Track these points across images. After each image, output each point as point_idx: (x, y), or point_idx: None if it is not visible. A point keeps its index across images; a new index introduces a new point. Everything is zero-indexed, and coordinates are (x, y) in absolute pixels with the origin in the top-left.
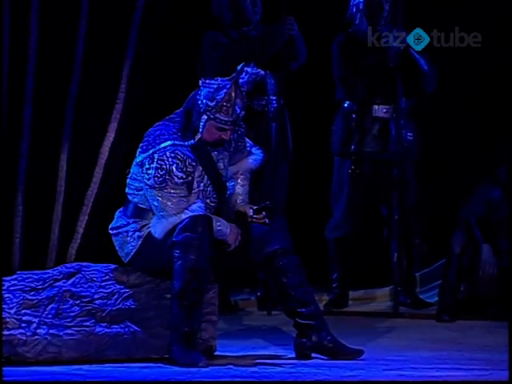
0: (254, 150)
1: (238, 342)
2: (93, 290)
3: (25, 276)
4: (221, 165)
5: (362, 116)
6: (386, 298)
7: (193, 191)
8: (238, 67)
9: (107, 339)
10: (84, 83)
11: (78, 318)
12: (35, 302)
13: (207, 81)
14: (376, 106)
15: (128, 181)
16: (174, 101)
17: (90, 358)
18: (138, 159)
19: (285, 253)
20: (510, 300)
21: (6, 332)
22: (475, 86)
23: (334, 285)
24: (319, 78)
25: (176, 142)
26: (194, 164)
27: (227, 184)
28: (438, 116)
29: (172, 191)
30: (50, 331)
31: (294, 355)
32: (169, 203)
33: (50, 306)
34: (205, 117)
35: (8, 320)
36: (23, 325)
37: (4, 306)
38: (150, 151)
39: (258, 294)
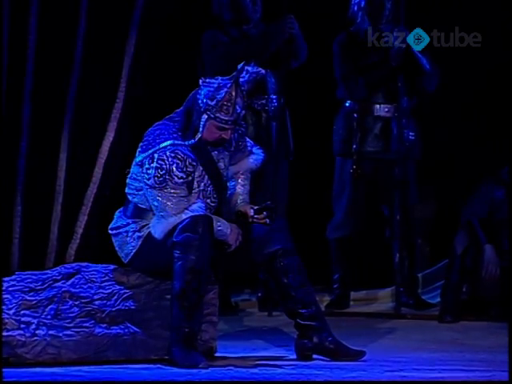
0: (254, 149)
1: (239, 343)
2: (92, 291)
3: (24, 276)
4: (221, 164)
5: (363, 115)
6: (388, 298)
7: (193, 191)
8: (239, 66)
9: (107, 340)
10: (83, 82)
11: (78, 319)
12: (34, 302)
13: (207, 80)
14: (377, 105)
15: (128, 181)
16: (174, 100)
17: (89, 359)
18: (138, 159)
19: (286, 253)
20: (510, 300)
21: (4, 333)
22: (476, 86)
23: (336, 285)
24: (320, 77)
25: (176, 142)
26: (194, 164)
27: (228, 184)
28: (440, 116)
29: (172, 191)
30: (50, 332)
31: (295, 356)
32: (169, 203)
33: (49, 307)
34: (205, 116)
35: (7, 321)
36: (22, 326)
37: (3, 307)
38: (150, 151)
39: (259, 294)
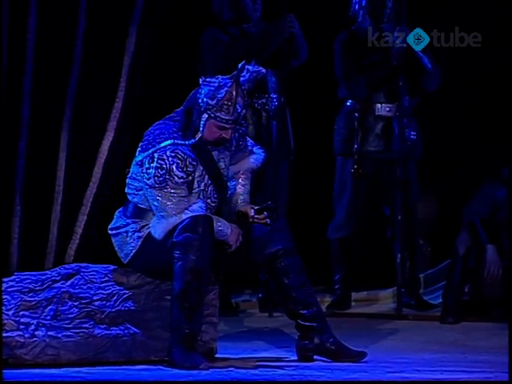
0: (255, 149)
1: (239, 344)
2: (92, 292)
3: (23, 277)
4: (222, 164)
5: (364, 115)
6: (390, 299)
7: (193, 191)
8: (239, 65)
9: (106, 341)
10: (83, 82)
11: (77, 320)
12: (33, 303)
13: (208, 79)
14: (379, 105)
15: (128, 180)
16: (174, 99)
17: (89, 360)
18: (138, 158)
19: (286, 253)
20: (510, 301)
21: (3, 334)
22: (477, 86)
23: (337, 286)
24: (321, 76)
25: (176, 141)
26: (194, 163)
27: (228, 184)
28: (440, 116)
29: (172, 191)
30: (49, 333)
31: (295, 357)
32: (169, 203)
33: (48, 308)
34: (205, 115)
35: (6, 322)
36: (21, 327)
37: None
38: (150, 150)
39: (260, 295)
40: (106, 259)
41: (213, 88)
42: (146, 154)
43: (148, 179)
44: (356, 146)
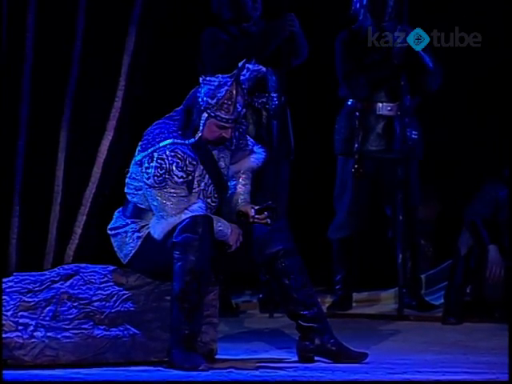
0: (255, 148)
1: (240, 345)
2: (91, 292)
3: (21, 278)
4: (222, 164)
5: (365, 114)
6: (391, 299)
7: (193, 191)
8: (239, 64)
9: (106, 342)
10: (82, 81)
11: (76, 321)
12: (32, 304)
13: (207, 78)
14: (380, 104)
15: (127, 180)
16: (173, 99)
17: (88, 362)
18: (138, 158)
19: (287, 254)
20: (510, 301)
21: (2, 335)
22: (477, 86)
23: (338, 286)
24: (322, 76)
25: (176, 141)
26: (194, 163)
27: (228, 183)
28: (442, 115)
29: (172, 191)
30: (48, 334)
31: (296, 358)
32: (168, 203)
33: (47, 309)
34: (205, 115)
35: (4, 322)
36: (20, 327)
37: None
38: (150, 150)
39: (260, 295)
40: (106, 259)
41: (213, 87)
42: (146, 153)
43: (147, 179)
44: (357, 146)
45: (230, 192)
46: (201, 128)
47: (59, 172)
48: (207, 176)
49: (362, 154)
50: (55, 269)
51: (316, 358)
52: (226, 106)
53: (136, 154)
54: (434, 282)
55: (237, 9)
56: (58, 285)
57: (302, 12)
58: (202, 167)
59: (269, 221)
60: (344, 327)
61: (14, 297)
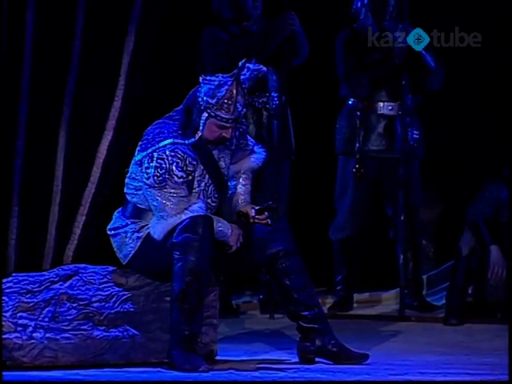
0: (256, 148)
1: (240, 346)
2: (90, 293)
3: (20, 278)
4: (222, 163)
5: (366, 113)
6: (392, 300)
7: (193, 191)
8: (240, 63)
9: (105, 343)
10: (82, 80)
11: (76, 322)
12: (31, 304)
13: (208, 77)
14: (381, 103)
15: (127, 180)
16: (173, 98)
17: (87, 363)
18: (137, 158)
19: (288, 254)
20: (510, 301)
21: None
22: (477, 86)
23: (339, 287)
24: (322, 75)
25: (176, 141)
26: (194, 163)
27: (229, 183)
28: (443, 115)
29: (172, 191)
30: (47, 335)
31: (297, 360)
32: (168, 203)
33: (46, 309)
34: (205, 114)
35: (3, 323)
36: (19, 328)
37: None
38: (150, 150)
39: (260, 296)
40: (105, 260)
41: (213, 86)
42: (146, 153)
43: (147, 179)
44: (358, 146)
45: (230, 192)
46: (201, 128)
47: (58, 172)
48: (207, 176)
49: (362, 154)
50: (54, 269)
51: (317, 359)
52: (226, 105)
53: (136, 153)
54: (436, 283)
55: (237, 8)
56: (57, 285)
57: (303, 11)
58: (202, 167)
59: (269, 221)
60: (345, 328)
61: (13, 297)
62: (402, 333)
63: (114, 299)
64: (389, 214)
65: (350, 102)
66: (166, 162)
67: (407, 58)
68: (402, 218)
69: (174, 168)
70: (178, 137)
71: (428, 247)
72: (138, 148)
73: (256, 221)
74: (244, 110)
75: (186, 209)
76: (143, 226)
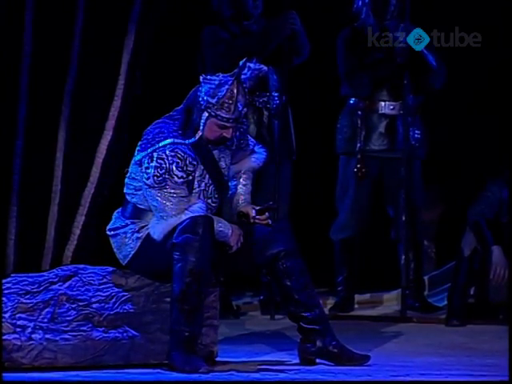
0: (256, 148)
1: (240, 347)
2: (90, 294)
3: (19, 279)
4: (222, 164)
5: (368, 113)
6: (394, 301)
7: (193, 191)
8: (241, 63)
9: (105, 344)
10: (81, 79)
11: (75, 323)
12: (30, 305)
13: (208, 77)
14: (383, 103)
15: (126, 180)
16: (173, 98)
17: (87, 364)
18: (137, 158)
19: (288, 255)
20: (510, 301)
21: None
22: (478, 86)
23: (340, 288)
24: (323, 74)
25: (176, 141)
26: (194, 163)
27: (229, 184)
28: (444, 115)
29: (172, 191)
30: (46, 336)
31: (298, 361)
32: (168, 203)
33: (45, 310)
34: (206, 114)
35: (2, 324)
36: (18, 329)
37: None
38: (149, 150)
39: (261, 297)
40: (105, 260)
41: (213, 86)
42: (145, 153)
43: (147, 179)
44: (359, 145)
45: (230, 192)
46: (201, 127)
47: (57, 172)
48: (208, 176)
49: (364, 154)
50: (53, 270)
51: (318, 361)
52: (226, 105)
53: (135, 153)
54: (438, 284)
55: (237, 7)
56: (56, 286)
57: (303, 10)
58: (202, 167)
59: (270, 221)
60: (346, 329)
61: (12, 298)
62: (403, 334)
63: (113, 300)
64: (390, 214)
65: (352, 102)
66: (166, 161)
67: (409, 57)
68: (404, 218)
69: (174, 168)
70: (178, 137)
71: (429, 247)
72: (137, 148)
73: (256, 221)
74: (245, 109)
75: (186, 209)
76: (143, 227)
